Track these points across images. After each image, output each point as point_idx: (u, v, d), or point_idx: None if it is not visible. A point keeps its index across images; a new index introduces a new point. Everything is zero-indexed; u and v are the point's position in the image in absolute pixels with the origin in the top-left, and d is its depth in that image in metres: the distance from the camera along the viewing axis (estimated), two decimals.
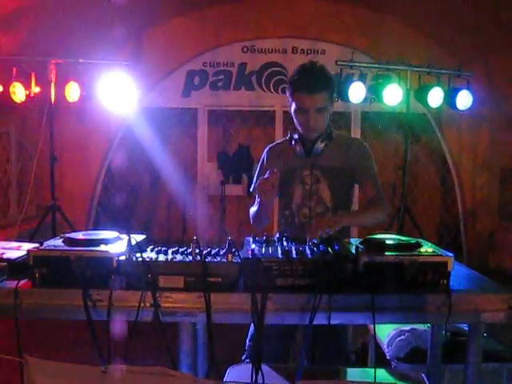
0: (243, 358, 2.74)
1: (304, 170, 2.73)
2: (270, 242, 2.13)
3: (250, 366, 1.87)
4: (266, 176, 2.44)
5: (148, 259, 1.90)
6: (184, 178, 6.46)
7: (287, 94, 2.70)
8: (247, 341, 2.77)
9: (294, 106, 2.65)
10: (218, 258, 1.93)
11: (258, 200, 2.69)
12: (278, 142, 2.92)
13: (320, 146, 2.67)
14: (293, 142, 2.72)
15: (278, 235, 2.60)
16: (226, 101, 6.64)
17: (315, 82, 2.59)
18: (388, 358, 2.80)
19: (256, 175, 2.87)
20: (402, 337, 2.79)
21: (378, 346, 3.03)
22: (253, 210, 2.81)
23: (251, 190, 2.86)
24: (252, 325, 2.72)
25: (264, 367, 1.83)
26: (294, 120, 2.71)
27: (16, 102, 5.17)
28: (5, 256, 2.12)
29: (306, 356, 2.67)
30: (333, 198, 2.72)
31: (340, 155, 2.73)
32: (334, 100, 2.71)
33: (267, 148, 2.90)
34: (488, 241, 6.64)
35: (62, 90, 5.25)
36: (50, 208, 5.28)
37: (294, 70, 2.70)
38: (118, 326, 1.84)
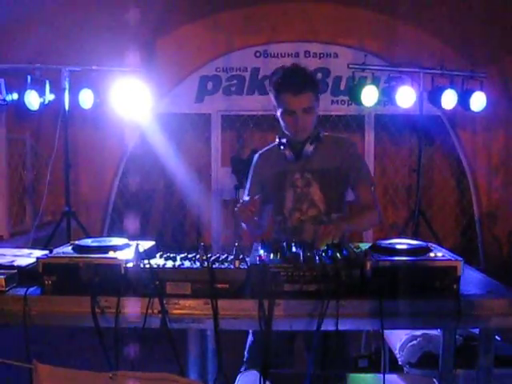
0: (242, 370, 2.66)
1: (294, 173, 2.71)
2: (278, 248, 2.12)
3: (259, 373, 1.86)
4: (245, 200, 2.47)
5: (155, 266, 1.91)
6: (198, 183, 6.47)
7: (272, 96, 2.67)
8: (245, 353, 2.73)
9: (280, 108, 2.63)
10: (226, 265, 1.93)
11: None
12: (269, 147, 2.87)
13: (309, 148, 2.64)
14: (281, 147, 2.69)
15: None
16: (240, 105, 6.65)
17: (300, 82, 2.58)
18: (400, 363, 2.78)
19: (249, 181, 2.86)
20: (414, 342, 2.76)
21: (391, 351, 3.01)
22: None
23: (244, 198, 2.82)
24: (250, 335, 2.72)
25: (272, 374, 1.83)
26: (282, 123, 2.68)
27: (31, 110, 5.21)
28: (15, 263, 2.14)
29: (310, 362, 2.67)
30: (325, 201, 2.70)
31: (330, 156, 2.70)
32: (319, 101, 2.70)
33: (258, 153, 2.88)
34: (504, 242, 6.57)
35: (75, 98, 5.29)
36: (64, 214, 5.32)
37: (274, 72, 2.68)
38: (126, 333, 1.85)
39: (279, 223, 2.78)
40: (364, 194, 2.71)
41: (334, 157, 2.71)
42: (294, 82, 2.58)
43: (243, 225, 2.73)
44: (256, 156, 2.88)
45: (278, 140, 2.74)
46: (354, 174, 2.71)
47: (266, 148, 2.89)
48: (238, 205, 2.48)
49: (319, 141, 2.67)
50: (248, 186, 2.87)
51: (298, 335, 2.69)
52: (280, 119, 2.68)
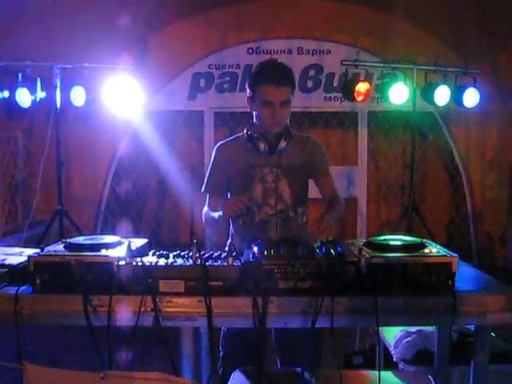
0: (218, 365, 2.62)
1: (264, 167, 2.72)
2: (272, 245, 2.11)
3: (254, 370, 1.85)
4: (240, 197, 2.56)
5: (148, 263, 1.89)
6: (191, 180, 6.43)
7: (248, 89, 2.70)
8: (220, 348, 2.73)
9: (258, 99, 2.64)
10: (219, 262, 1.92)
11: (220, 213, 2.70)
12: (230, 138, 2.87)
13: (283, 144, 2.66)
14: (252, 139, 2.68)
15: (230, 240, 2.62)
16: (232, 102, 6.61)
17: (281, 75, 2.63)
18: (395, 360, 2.77)
19: (208, 173, 2.86)
20: (409, 338, 2.75)
21: (386, 348, 3.00)
22: (210, 214, 2.80)
23: (203, 189, 2.87)
24: (221, 332, 2.72)
25: (265, 372, 1.81)
26: (256, 114, 2.69)
27: (22, 108, 5.17)
28: (6, 262, 2.12)
29: (279, 359, 2.67)
30: (292, 195, 2.74)
31: (297, 153, 2.76)
32: (293, 97, 2.71)
33: (218, 145, 2.86)
34: (497, 239, 6.58)
35: (67, 95, 5.25)
36: (57, 213, 5.28)
37: (254, 67, 2.74)
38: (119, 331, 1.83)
39: (244, 217, 2.75)
40: (327, 185, 2.83)
41: (300, 154, 2.77)
42: (276, 74, 2.62)
43: (214, 215, 2.75)
44: (217, 148, 2.84)
45: (246, 131, 2.73)
46: (316, 168, 2.81)
47: (227, 139, 2.88)
48: (228, 200, 2.59)
49: (290, 137, 2.70)
50: (209, 178, 2.84)
51: (270, 335, 2.67)
52: (256, 111, 2.69)
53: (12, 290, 1.93)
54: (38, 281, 1.93)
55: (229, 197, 2.82)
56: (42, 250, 2.07)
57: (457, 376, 2.55)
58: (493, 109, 6.18)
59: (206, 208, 2.86)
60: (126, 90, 5.18)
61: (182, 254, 2.00)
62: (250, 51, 6.48)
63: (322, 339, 2.66)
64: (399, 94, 5.37)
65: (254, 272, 1.86)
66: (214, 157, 2.83)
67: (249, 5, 6.27)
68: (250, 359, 2.37)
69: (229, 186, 2.79)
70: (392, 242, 2.05)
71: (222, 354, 2.73)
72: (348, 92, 5.45)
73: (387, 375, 2.39)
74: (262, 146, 2.66)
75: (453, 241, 6.90)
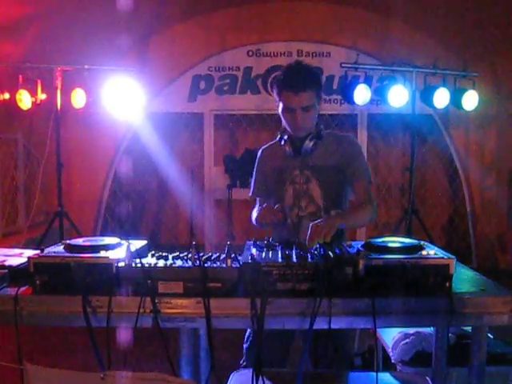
0: (241, 361, 2.72)
1: (294, 170, 2.72)
2: (271, 247, 2.12)
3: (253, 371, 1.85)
4: (271, 207, 2.53)
5: (147, 265, 1.89)
6: (191, 182, 6.45)
7: (274, 93, 2.69)
8: (244, 344, 2.75)
9: (281, 105, 2.64)
10: (218, 263, 1.92)
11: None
12: (271, 142, 2.89)
13: (309, 145, 2.64)
14: (282, 143, 2.70)
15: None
16: (232, 105, 6.64)
17: (301, 80, 2.58)
18: (393, 361, 2.77)
19: (254, 177, 2.90)
20: (407, 340, 2.76)
21: (384, 350, 3.01)
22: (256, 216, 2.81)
23: (250, 194, 2.90)
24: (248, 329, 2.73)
25: (265, 373, 1.82)
26: (282, 119, 2.69)
27: (23, 110, 5.20)
28: (6, 263, 2.13)
29: (307, 359, 2.67)
30: (324, 197, 2.70)
31: (330, 153, 2.71)
32: (321, 99, 2.68)
33: (261, 149, 2.90)
34: (497, 242, 6.59)
35: (68, 97, 5.28)
36: (57, 214, 5.30)
37: (280, 70, 2.70)
38: (118, 332, 1.84)
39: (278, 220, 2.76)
40: (359, 191, 2.72)
41: (333, 154, 2.72)
42: (296, 80, 2.58)
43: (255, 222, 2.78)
44: (259, 152, 2.90)
45: (279, 136, 2.74)
46: (350, 171, 2.71)
47: (268, 144, 2.91)
48: (263, 208, 2.57)
49: (319, 138, 2.67)
50: (253, 182, 2.91)
51: (296, 336, 2.70)
52: (281, 115, 2.69)
53: (12, 290, 1.93)
54: (37, 282, 1.94)
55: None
56: (42, 251, 2.08)
57: (454, 377, 2.55)
58: (492, 111, 6.20)
59: (254, 212, 2.86)
60: (127, 92, 5.20)
61: (181, 255, 2.01)
62: (250, 53, 6.50)
63: (349, 340, 2.69)
64: (399, 96, 5.39)
65: (252, 273, 1.87)
66: (257, 161, 2.89)
67: (249, 7, 6.30)
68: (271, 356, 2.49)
69: (267, 189, 2.82)
70: (390, 244, 2.05)
71: (245, 347, 2.74)
72: (347, 94, 5.47)
73: (385, 377, 2.40)
74: (287, 148, 2.67)
75: (452, 243, 6.91)
